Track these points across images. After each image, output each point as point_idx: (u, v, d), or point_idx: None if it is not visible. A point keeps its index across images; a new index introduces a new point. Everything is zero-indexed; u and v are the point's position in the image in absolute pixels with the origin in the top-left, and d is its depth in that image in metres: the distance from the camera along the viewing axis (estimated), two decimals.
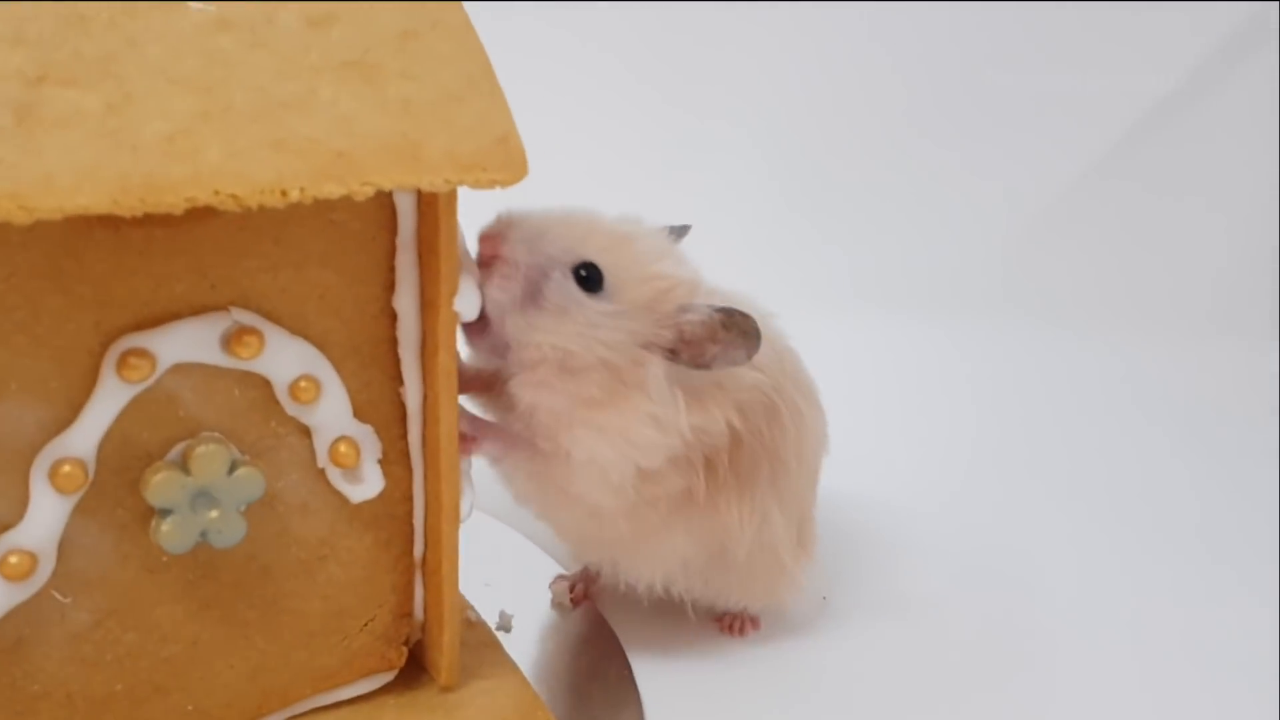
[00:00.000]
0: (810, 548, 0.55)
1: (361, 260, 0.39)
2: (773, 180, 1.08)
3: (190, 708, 0.41)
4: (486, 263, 0.43)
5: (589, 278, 0.44)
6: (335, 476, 0.41)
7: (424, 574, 0.45)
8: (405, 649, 0.45)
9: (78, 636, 0.38)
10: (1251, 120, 1.07)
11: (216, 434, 0.38)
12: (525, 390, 0.44)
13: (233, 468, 0.38)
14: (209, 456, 0.37)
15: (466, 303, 0.40)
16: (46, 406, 0.35)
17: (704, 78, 1.08)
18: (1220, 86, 1.08)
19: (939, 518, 0.70)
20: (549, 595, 0.58)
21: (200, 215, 0.34)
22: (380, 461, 0.42)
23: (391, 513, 0.43)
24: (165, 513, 0.37)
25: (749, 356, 0.45)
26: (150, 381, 0.36)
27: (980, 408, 0.89)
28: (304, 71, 0.35)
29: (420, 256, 0.40)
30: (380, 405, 0.41)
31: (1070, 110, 1.10)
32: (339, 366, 0.40)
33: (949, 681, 0.55)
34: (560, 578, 0.59)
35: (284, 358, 0.38)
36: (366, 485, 0.41)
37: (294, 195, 0.33)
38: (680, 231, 0.52)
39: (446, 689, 0.45)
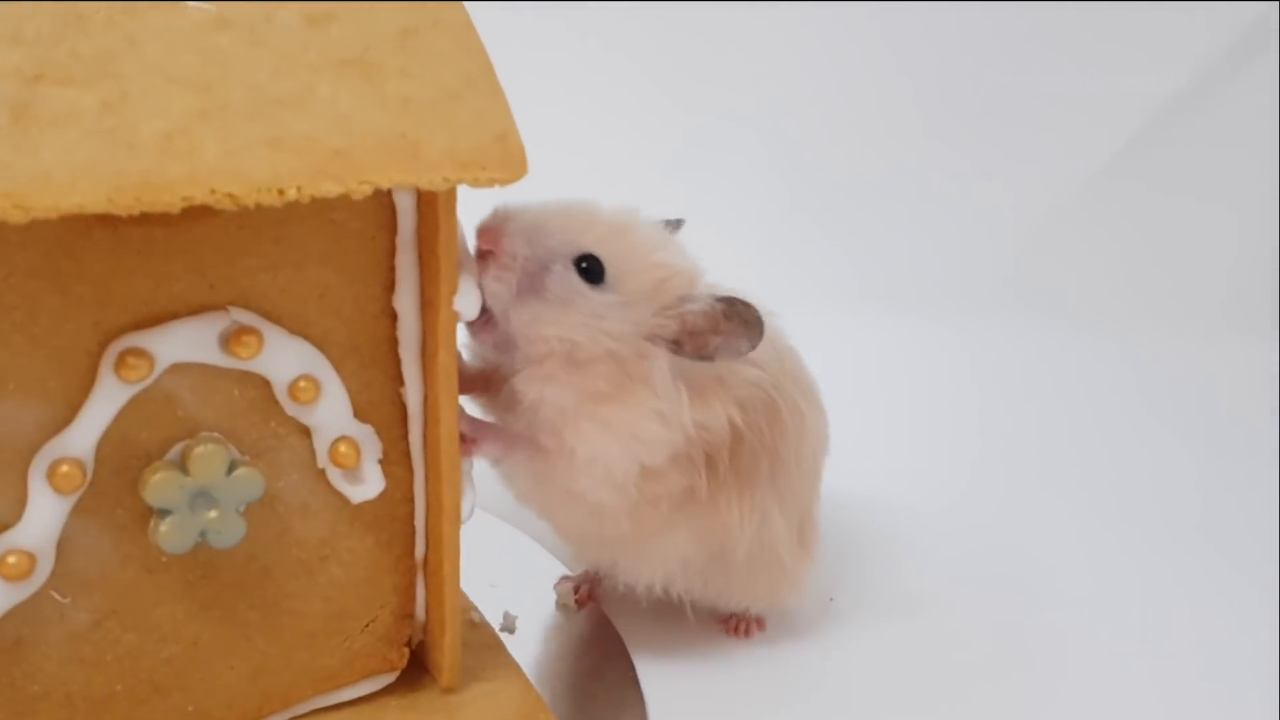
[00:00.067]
0: (812, 548, 0.54)
1: (361, 260, 0.39)
2: (779, 179, 1.08)
3: (191, 708, 0.41)
4: (484, 256, 0.43)
5: (590, 269, 0.44)
6: (336, 477, 0.41)
7: (425, 575, 0.44)
8: (407, 650, 0.45)
9: (77, 637, 0.38)
10: (1261, 120, 1.07)
11: (215, 434, 0.38)
12: (531, 385, 0.44)
13: (231, 468, 0.37)
14: (208, 457, 0.37)
15: (466, 302, 0.39)
16: (45, 406, 0.35)
17: (708, 76, 1.07)
18: (1229, 86, 1.08)
19: (945, 518, 0.70)
20: (553, 596, 0.58)
21: (199, 214, 0.34)
22: (381, 462, 0.41)
23: (393, 513, 0.43)
24: (164, 513, 0.37)
25: (752, 346, 0.45)
26: (149, 381, 0.36)
27: (986, 407, 0.89)
28: (302, 70, 0.35)
29: (420, 256, 0.40)
30: (381, 405, 0.41)
31: (1077, 110, 1.09)
32: (339, 366, 0.39)
33: (955, 682, 0.55)
34: (565, 579, 0.58)
35: (283, 358, 0.38)
36: (367, 486, 0.41)
37: (291, 194, 0.33)
38: (674, 225, 0.52)
39: (448, 690, 0.45)
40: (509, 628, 0.55)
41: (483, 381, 0.47)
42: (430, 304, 0.40)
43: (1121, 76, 1.08)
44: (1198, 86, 1.08)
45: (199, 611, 0.40)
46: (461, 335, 0.45)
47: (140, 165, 0.31)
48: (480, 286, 0.41)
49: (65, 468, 0.35)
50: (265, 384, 0.38)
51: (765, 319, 0.45)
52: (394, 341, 0.40)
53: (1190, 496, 0.76)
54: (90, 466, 0.36)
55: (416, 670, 0.46)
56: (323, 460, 0.40)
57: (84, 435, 0.35)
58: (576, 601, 0.57)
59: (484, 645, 0.49)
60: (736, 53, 1.08)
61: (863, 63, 1.10)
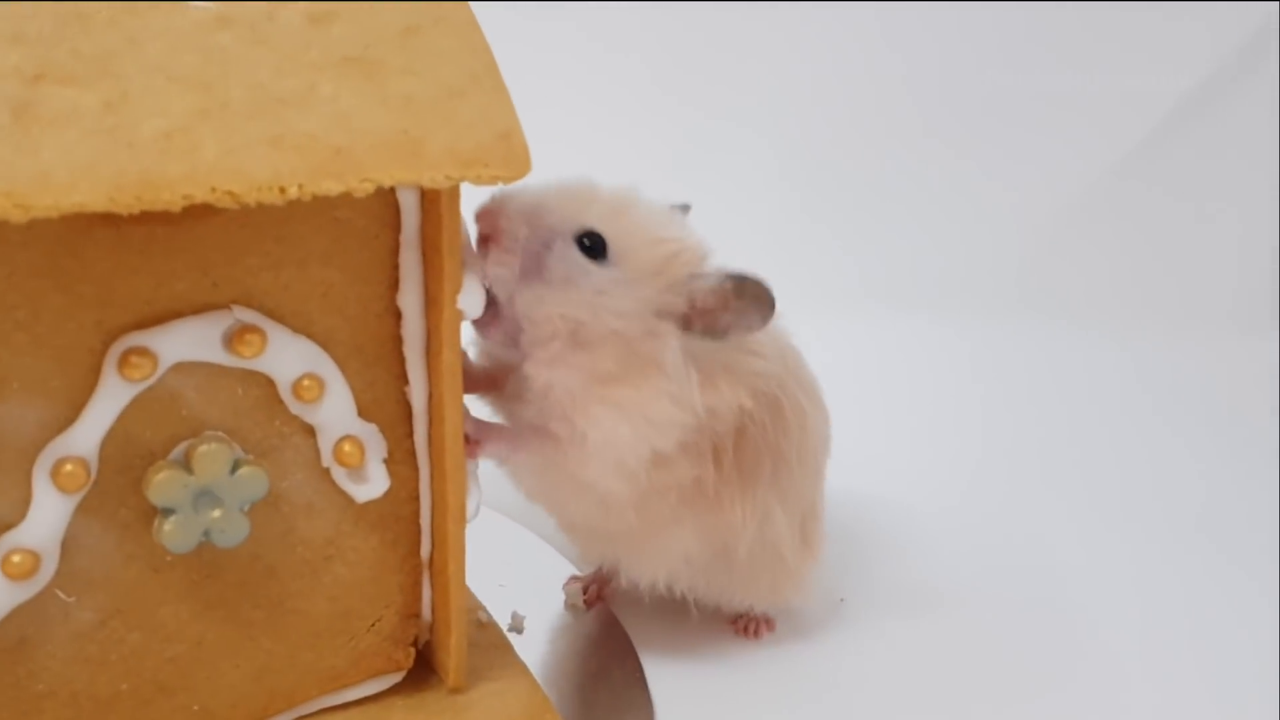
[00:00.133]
0: (816, 548, 0.54)
1: (365, 258, 0.39)
2: (784, 178, 1.08)
3: (196, 708, 0.41)
4: (485, 241, 0.43)
5: (592, 246, 0.44)
6: (340, 476, 0.41)
7: (431, 574, 0.44)
8: (413, 650, 0.45)
9: (82, 636, 0.38)
10: (1268, 120, 1.06)
11: (219, 433, 0.38)
12: (540, 369, 0.44)
13: (235, 467, 0.37)
14: (211, 456, 0.37)
15: (470, 300, 0.39)
16: (48, 405, 0.35)
17: (712, 75, 1.07)
18: (1236, 87, 1.07)
19: (953, 518, 0.70)
20: (562, 596, 0.57)
21: (201, 213, 0.34)
22: (386, 461, 0.41)
23: (398, 513, 0.43)
24: (168, 512, 0.37)
25: (764, 323, 0.44)
26: (152, 380, 0.36)
27: (992, 406, 0.88)
28: (304, 68, 0.35)
29: (424, 254, 0.39)
30: (385, 404, 0.41)
31: (1082, 110, 1.09)
32: (343, 365, 0.39)
33: (965, 682, 0.54)
34: (574, 579, 0.58)
35: (287, 356, 0.38)
36: (372, 485, 0.41)
37: (292, 192, 0.33)
38: (682, 209, 0.51)
39: (455, 690, 0.45)
40: (517, 628, 0.54)
41: (489, 380, 0.47)
42: (434, 302, 0.40)
43: (1126, 77, 1.08)
44: (1203, 88, 1.08)
45: (203, 611, 0.40)
46: (467, 334, 0.45)
47: (140, 164, 0.31)
48: (485, 274, 0.41)
49: (69, 467, 0.35)
50: (269, 383, 0.38)
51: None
52: (398, 340, 0.40)
53: (1197, 495, 0.75)
54: (94, 465, 0.36)
55: (423, 670, 0.46)
56: (327, 459, 0.40)
57: (88, 434, 0.35)
58: (585, 602, 0.57)
59: (491, 645, 0.49)
60: (741, 52, 1.07)
61: (866, 62, 1.09)
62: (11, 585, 0.35)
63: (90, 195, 0.30)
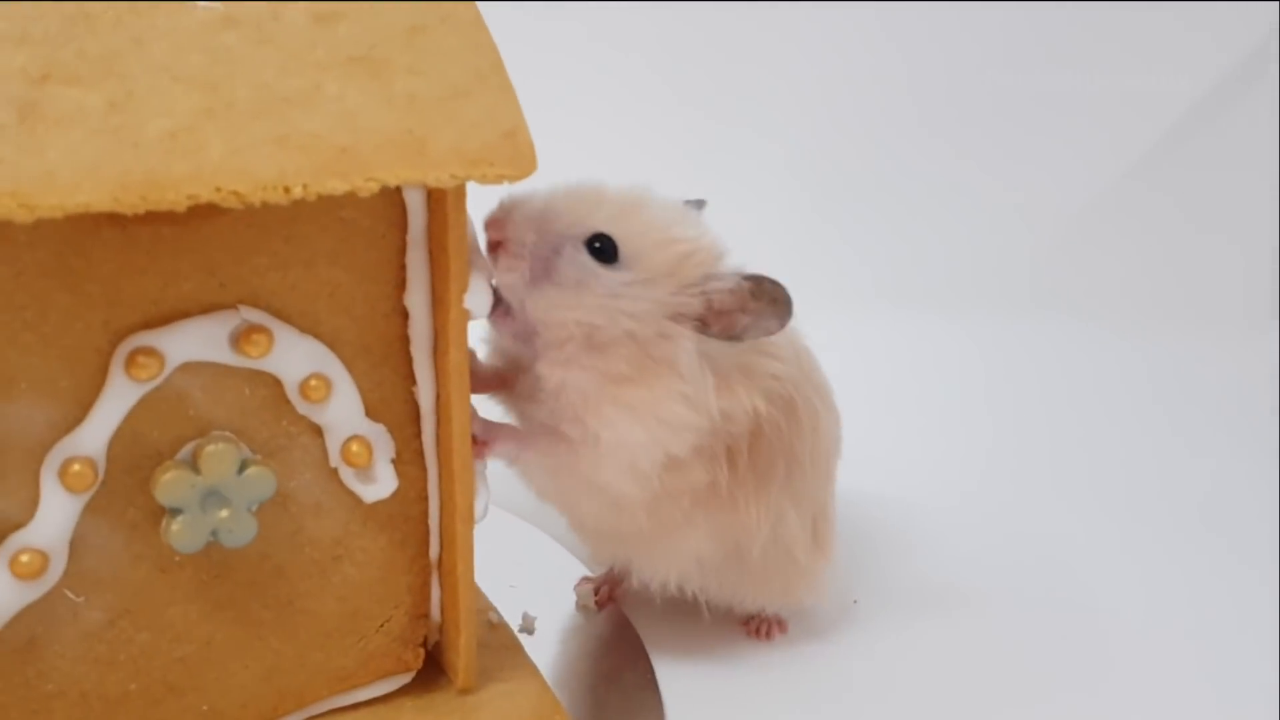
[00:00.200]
0: (827, 549, 0.54)
1: (372, 258, 0.39)
2: (796, 178, 1.08)
3: (205, 708, 0.41)
4: (494, 247, 0.43)
5: (602, 248, 0.43)
6: (348, 476, 0.41)
7: (440, 575, 0.44)
8: (422, 651, 0.45)
9: (91, 636, 0.38)
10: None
11: (227, 433, 0.38)
12: (553, 369, 0.43)
13: (242, 467, 0.37)
14: (218, 455, 0.37)
15: (477, 300, 0.39)
16: (56, 405, 0.35)
17: (723, 75, 1.07)
18: (1249, 89, 1.07)
19: (965, 517, 0.69)
20: (573, 597, 0.57)
21: (207, 213, 0.34)
22: (394, 461, 0.41)
23: (406, 513, 0.43)
24: (175, 512, 0.37)
25: (781, 325, 0.44)
26: (159, 380, 0.36)
27: (1004, 406, 0.88)
28: (309, 67, 0.35)
29: (431, 253, 0.39)
30: (393, 404, 0.41)
31: (1094, 112, 1.09)
32: (350, 365, 0.39)
33: (979, 682, 0.54)
34: (585, 579, 0.58)
35: (294, 356, 0.38)
36: (380, 485, 0.41)
37: (297, 191, 0.33)
38: (697, 205, 0.51)
39: (464, 691, 0.45)
40: (528, 629, 0.54)
41: (498, 380, 0.47)
42: (441, 302, 0.40)
43: (1136, 79, 1.07)
44: (1216, 89, 1.07)
45: (212, 611, 0.40)
46: (477, 332, 0.45)
47: (145, 164, 0.31)
48: (494, 280, 0.41)
49: (77, 467, 0.35)
50: (276, 383, 0.38)
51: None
52: (405, 340, 0.40)
53: (1210, 493, 0.74)
54: (102, 465, 0.36)
55: (433, 671, 0.46)
56: (335, 459, 0.40)
57: (95, 434, 0.35)
58: (597, 603, 0.57)
59: (502, 646, 0.49)
60: (751, 51, 1.07)
61: (878, 63, 1.09)
62: (20, 585, 0.35)
63: (95, 195, 0.30)
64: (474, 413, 0.42)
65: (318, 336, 0.38)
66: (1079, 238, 1.09)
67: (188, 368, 0.36)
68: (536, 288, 0.43)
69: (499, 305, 0.42)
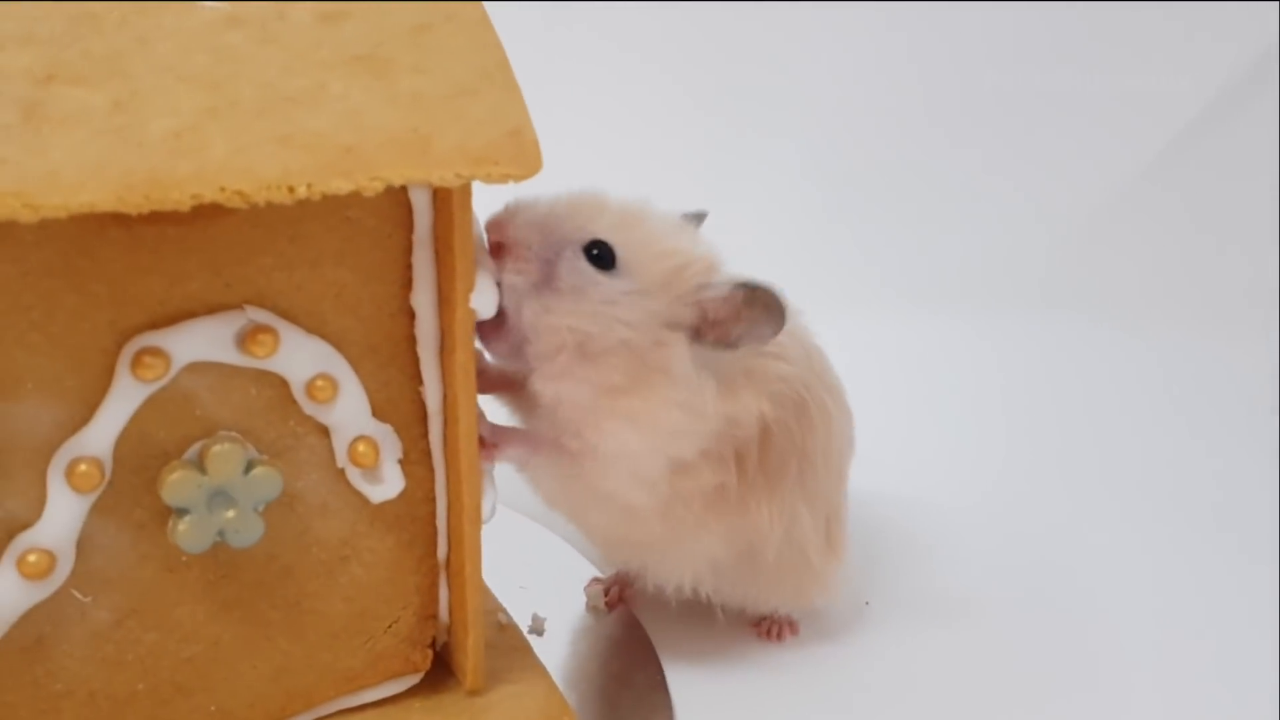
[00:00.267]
0: (839, 549, 0.53)
1: (377, 257, 0.39)
2: (808, 177, 1.07)
3: (213, 708, 0.41)
4: (497, 250, 0.42)
5: (601, 256, 0.43)
6: (355, 476, 0.41)
7: (448, 576, 0.44)
8: (430, 651, 0.45)
9: (99, 636, 0.38)
10: None
11: (233, 433, 0.38)
12: (547, 383, 0.43)
13: (249, 467, 0.37)
14: (224, 456, 0.37)
15: (483, 299, 0.39)
16: (62, 405, 0.35)
17: (736, 74, 1.06)
18: (1262, 90, 1.06)
19: (979, 518, 0.68)
20: (584, 598, 0.57)
21: (213, 213, 0.34)
22: (401, 461, 0.41)
23: (414, 513, 0.43)
24: (182, 512, 0.37)
25: (775, 332, 0.44)
26: (165, 380, 0.36)
27: (1018, 406, 0.87)
28: (313, 67, 0.35)
29: (437, 253, 0.39)
30: (400, 404, 0.41)
31: (1107, 113, 1.08)
32: (356, 365, 0.39)
33: (991, 685, 0.54)
34: (595, 580, 0.58)
35: (300, 356, 0.38)
36: (387, 485, 0.41)
37: (301, 191, 0.33)
38: (698, 218, 0.51)
39: (473, 692, 0.45)
40: (538, 630, 0.54)
41: (505, 381, 0.47)
42: (447, 301, 0.39)
43: (1149, 79, 1.07)
44: (1228, 91, 1.07)
45: (220, 611, 0.40)
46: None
47: (149, 163, 0.31)
48: (499, 281, 0.41)
49: (83, 467, 0.35)
50: (282, 383, 0.38)
51: (790, 320, 0.44)
52: (412, 340, 0.40)
53: (1226, 495, 0.73)
54: (108, 465, 0.36)
55: (441, 672, 0.46)
56: (342, 460, 0.40)
57: (102, 434, 0.35)
58: (607, 604, 0.56)
59: (511, 647, 0.49)
60: (763, 50, 1.07)
61: (890, 62, 1.09)
62: (28, 584, 0.36)
63: (98, 195, 0.30)
64: (481, 415, 0.42)
65: (324, 336, 0.38)
66: (1093, 238, 1.08)
67: (194, 368, 0.36)
68: (536, 294, 0.43)
69: (492, 320, 0.42)
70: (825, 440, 0.49)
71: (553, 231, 0.43)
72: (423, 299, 0.40)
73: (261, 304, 0.37)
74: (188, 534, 0.37)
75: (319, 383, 0.38)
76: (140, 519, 0.37)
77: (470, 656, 0.44)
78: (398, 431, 0.41)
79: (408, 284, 0.40)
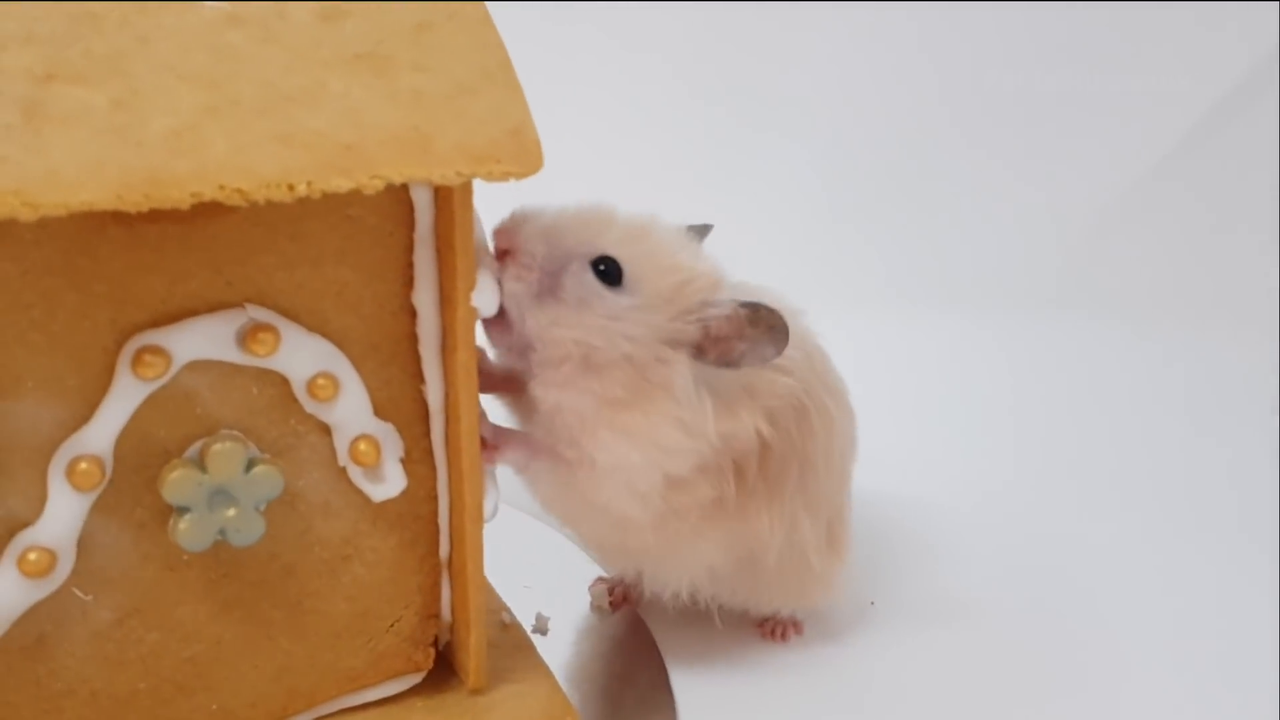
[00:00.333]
0: (842, 550, 0.53)
1: (379, 256, 0.39)
2: (815, 177, 1.07)
3: (215, 707, 0.41)
4: (502, 257, 0.42)
5: (607, 271, 0.43)
6: (357, 475, 0.40)
7: (450, 575, 0.44)
8: (433, 651, 0.45)
9: (100, 635, 0.38)
10: None
11: (234, 432, 0.38)
12: (548, 391, 0.43)
13: (250, 466, 0.37)
14: (225, 454, 0.37)
15: (484, 298, 0.39)
16: (63, 404, 0.35)
17: (743, 73, 1.06)
18: (1274, 87, 1.05)
19: (985, 519, 0.68)
20: (588, 598, 0.57)
21: (213, 211, 0.34)
22: (403, 460, 0.41)
23: (416, 512, 0.43)
24: (183, 511, 0.37)
25: (778, 352, 0.44)
26: (166, 379, 0.36)
27: (1024, 407, 0.87)
28: (314, 65, 0.35)
29: (438, 252, 0.39)
30: (401, 403, 0.41)
31: (1118, 110, 1.08)
32: (358, 364, 0.39)
33: (996, 687, 0.53)
34: (600, 580, 0.58)
35: (301, 355, 0.38)
36: (388, 484, 0.41)
37: (301, 189, 0.33)
38: (702, 231, 0.51)
39: (475, 692, 0.45)
40: (541, 629, 0.54)
41: (507, 381, 0.47)
42: (449, 300, 0.39)
43: (1161, 78, 1.06)
44: (1239, 90, 1.06)
45: (221, 611, 0.40)
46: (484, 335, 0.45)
47: (148, 162, 0.31)
48: (500, 286, 0.41)
49: (84, 465, 0.35)
50: (284, 381, 0.38)
51: (793, 319, 0.44)
52: (413, 338, 0.40)
53: (1238, 498, 0.73)
54: (109, 464, 0.36)
55: (444, 671, 0.46)
56: (343, 458, 0.40)
57: (102, 433, 0.35)
58: (611, 604, 0.56)
59: (514, 647, 0.48)
60: (770, 49, 1.07)
61: (899, 61, 1.08)
62: (29, 583, 0.36)
63: (98, 193, 0.30)
64: (483, 415, 0.42)
65: (325, 335, 0.38)
66: (1102, 237, 1.08)
67: (195, 366, 0.36)
68: (540, 302, 0.42)
69: (498, 318, 0.42)
70: (826, 444, 0.49)
71: (559, 243, 0.43)
72: (424, 297, 0.40)
73: (262, 302, 0.37)
74: (188, 533, 0.37)
75: (320, 381, 0.38)
76: (141, 518, 0.37)
77: (473, 656, 0.44)
78: (399, 430, 0.41)
79: (409, 282, 0.39)
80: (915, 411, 0.81)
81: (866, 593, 0.59)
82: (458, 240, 0.38)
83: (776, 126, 1.07)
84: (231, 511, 0.37)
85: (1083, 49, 1.08)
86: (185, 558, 0.38)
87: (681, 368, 0.44)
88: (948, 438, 0.80)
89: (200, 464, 0.37)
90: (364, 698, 0.44)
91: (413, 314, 0.40)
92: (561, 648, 0.54)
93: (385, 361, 0.40)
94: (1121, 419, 0.85)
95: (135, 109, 0.32)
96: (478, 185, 0.37)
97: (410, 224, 0.39)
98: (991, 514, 0.69)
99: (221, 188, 0.32)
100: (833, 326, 0.53)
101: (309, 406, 0.39)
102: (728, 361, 0.44)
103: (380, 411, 0.40)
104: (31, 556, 0.35)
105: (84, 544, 0.36)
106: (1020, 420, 0.84)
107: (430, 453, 0.42)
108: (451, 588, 0.44)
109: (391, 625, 0.44)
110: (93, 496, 0.36)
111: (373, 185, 0.34)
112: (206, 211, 0.33)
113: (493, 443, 0.44)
